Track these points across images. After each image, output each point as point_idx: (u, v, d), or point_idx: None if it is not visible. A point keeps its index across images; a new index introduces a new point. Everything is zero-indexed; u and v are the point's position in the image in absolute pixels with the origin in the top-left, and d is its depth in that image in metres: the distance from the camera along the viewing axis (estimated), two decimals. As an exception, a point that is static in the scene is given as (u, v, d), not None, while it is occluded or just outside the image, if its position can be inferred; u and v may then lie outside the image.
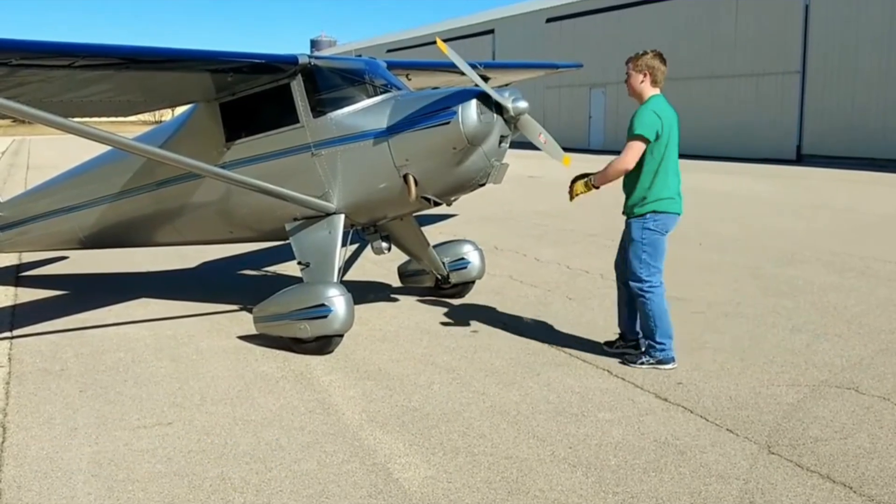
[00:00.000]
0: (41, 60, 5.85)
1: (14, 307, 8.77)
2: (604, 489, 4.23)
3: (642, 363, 6.12)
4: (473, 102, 6.50)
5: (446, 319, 7.71)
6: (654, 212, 6.00)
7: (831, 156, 26.64)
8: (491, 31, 44.23)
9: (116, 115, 8.64)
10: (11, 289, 9.65)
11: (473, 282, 8.61)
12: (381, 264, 9.93)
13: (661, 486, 4.24)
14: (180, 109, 8.65)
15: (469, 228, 12.87)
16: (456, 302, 8.39)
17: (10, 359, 6.78)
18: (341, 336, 6.70)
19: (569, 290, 8.90)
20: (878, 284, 8.85)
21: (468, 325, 7.49)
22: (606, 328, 7.22)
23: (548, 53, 37.71)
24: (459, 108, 6.49)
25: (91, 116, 8.46)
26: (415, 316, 7.88)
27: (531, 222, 14.32)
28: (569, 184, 6.37)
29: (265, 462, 4.64)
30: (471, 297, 8.52)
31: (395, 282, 9.06)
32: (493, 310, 8.02)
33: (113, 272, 10.58)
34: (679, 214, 6.13)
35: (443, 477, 4.41)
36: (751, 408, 5.30)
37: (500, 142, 6.76)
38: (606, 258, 10.67)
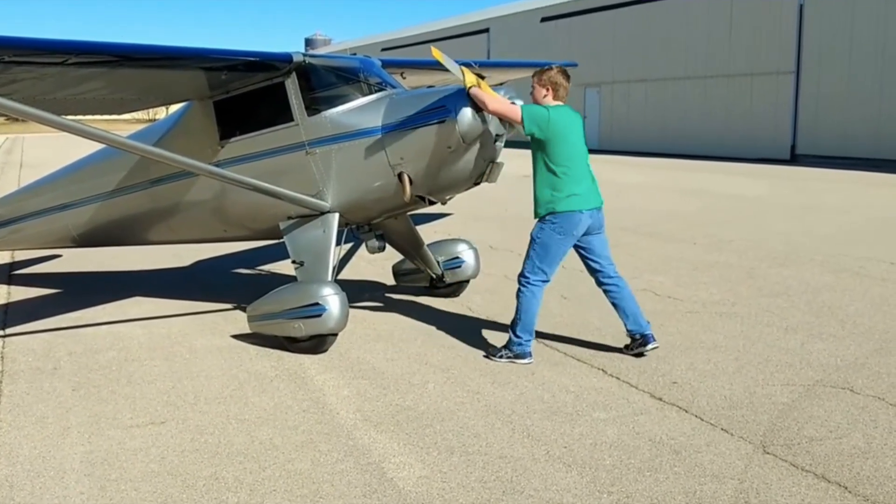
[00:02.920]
0: (34, 58, 5.82)
1: (7, 306, 8.74)
2: (598, 489, 4.22)
3: (501, 356, 6.35)
4: (469, 101, 6.48)
5: (441, 319, 7.69)
6: (551, 213, 6.15)
7: (825, 156, 26.69)
8: (486, 31, 44.21)
9: (110, 113, 8.60)
10: (4, 287, 9.62)
11: (468, 281, 8.60)
12: (375, 263, 9.92)
13: (656, 486, 4.23)
14: (174, 107, 8.63)
15: (464, 227, 12.86)
16: (450, 301, 8.38)
17: (2, 357, 6.76)
18: (335, 335, 6.69)
19: (563, 289, 8.88)
20: (872, 284, 8.87)
21: (463, 324, 7.48)
22: (601, 328, 7.22)
23: (542, 53, 37.67)
24: (455, 107, 6.48)
25: (85, 114, 8.43)
26: (409, 315, 7.86)
27: (526, 222, 14.27)
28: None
29: (259, 461, 4.63)
30: (465, 297, 8.51)
31: (390, 281, 9.04)
32: (487, 309, 8.01)
33: (106, 271, 10.55)
34: (581, 210, 6.16)
35: (437, 476, 4.40)
36: (745, 407, 5.30)
37: (496, 140, 6.75)
38: (601, 257, 10.70)
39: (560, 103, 6.32)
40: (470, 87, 6.36)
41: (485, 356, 6.44)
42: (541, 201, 6.20)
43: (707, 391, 5.62)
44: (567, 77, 6.36)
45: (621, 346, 6.63)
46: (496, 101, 6.29)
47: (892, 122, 25.32)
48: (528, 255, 6.33)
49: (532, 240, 6.30)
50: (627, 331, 6.43)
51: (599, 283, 6.49)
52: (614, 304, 6.44)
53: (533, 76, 6.38)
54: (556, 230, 6.16)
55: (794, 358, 6.31)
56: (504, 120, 6.45)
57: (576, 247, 6.33)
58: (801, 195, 17.80)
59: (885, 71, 25.47)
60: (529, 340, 6.34)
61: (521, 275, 6.34)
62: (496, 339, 6.95)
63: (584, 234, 6.26)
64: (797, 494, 4.11)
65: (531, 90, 6.39)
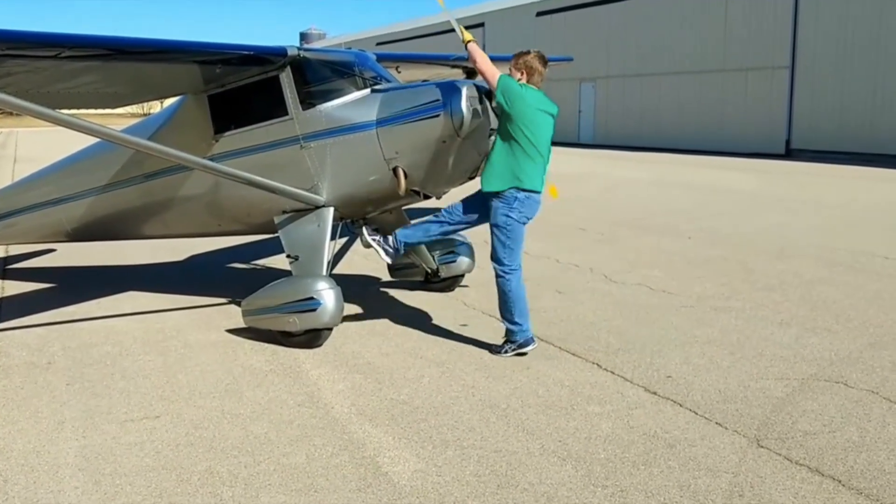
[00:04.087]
0: (27, 51, 5.79)
1: (0, 300, 8.72)
2: (593, 482, 4.23)
3: (506, 351, 6.31)
4: (463, 95, 6.48)
5: (436, 313, 7.69)
6: (515, 189, 6.14)
7: (820, 150, 26.72)
8: (481, 25, 44.13)
9: (104, 107, 8.57)
10: (-2, 282, 9.59)
11: (463, 275, 8.60)
12: (370, 258, 9.90)
13: (651, 480, 4.24)
14: (168, 101, 8.60)
15: (459, 222, 12.83)
16: (445, 295, 8.38)
17: (-4, 352, 6.74)
18: (330, 329, 6.68)
19: (558, 283, 8.89)
20: (867, 279, 8.88)
21: (458, 318, 7.48)
22: (596, 322, 7.23)
23: (538, 47, 37.28)
24: (449, 101, 6.47)
25: (79, 108, 8.39)
26: (404, 310, 7.86)
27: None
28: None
29: (254, 455, 4.63)
30: (460, 291, 8.51)
31: (385, 275, 9.04)
32: (482, 303, 8.01)
33: (101, 265, 10.53)
34: (537, 193, 6.23)
35: (432, 470, 4.40)
36: (740, 401, 5.30)
37: (490, 135, 6.74)
38: (596, 252, 10.73)
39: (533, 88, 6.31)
40: (468, 42, 6.46)
41: (491, 353, 6.41)
42: (496, 175, 6.17)
43: (701, 385, 5.62)
44: (544, 63, 6.36)
45: (614, 340, 6.65)
46: (486, 62, 6.31)
47: (886, 117, 25.35)
48: (500, 243, 6.27)
49: (499, 227, 6.23)
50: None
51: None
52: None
53: (511, 59, 6.43)
54: (521, 217, 6.19)
55: (789, 352, 6.32)
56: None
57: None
58: (796, 189, 17.82)
59: (880, 66, 25.48)
60: (528, 324, 6.35)
61: (500, 263, 6.30)
62: (492, 333, 6.95)
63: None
64: (791, 488, 4.12)
65: (508, 72, 6.39)
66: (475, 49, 6.41)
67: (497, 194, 6.21)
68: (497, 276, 6.34)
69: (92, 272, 10.20)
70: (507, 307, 6.33)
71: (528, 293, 8.30)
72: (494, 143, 6.27)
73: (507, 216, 6.20)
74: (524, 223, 6.27)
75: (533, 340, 6.36)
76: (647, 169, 23.95)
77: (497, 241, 6.29)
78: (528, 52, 6.38)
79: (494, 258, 6.34)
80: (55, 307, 8.13)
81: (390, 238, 6.82)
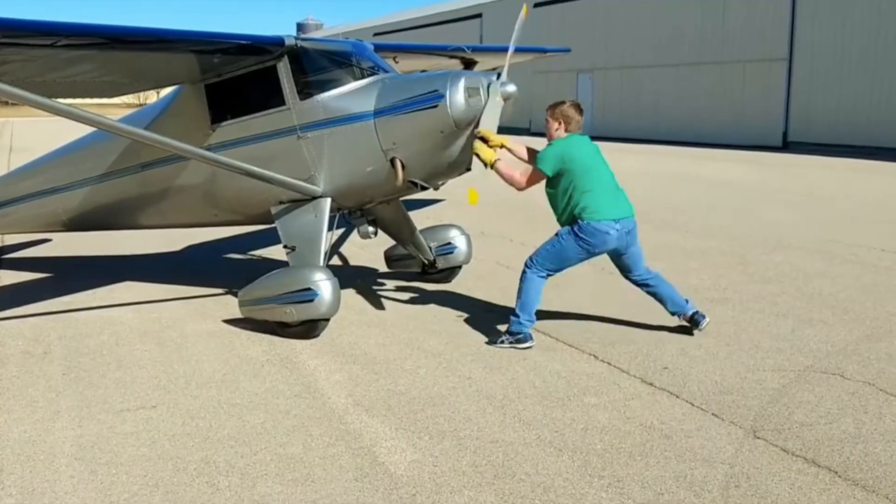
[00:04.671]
0: (23, 39, 5.77)
1: (-4, 290, 8.70)
2: (589, 473, 4.23)
3: (502, 342, 6.33)
4: (461, 86, 6.46)
5: (433, 304, 7.69)
6: (581, 220, 6.19)
7: (817, 143, 26.72)
8: (479, 16, 44.04)
9: (101, 97, 8.54)
10: (-6, 271, 9.58)
11: (460, 267, 8.59)
12: (367, 249, 9.91)
13: (647, 470, 4.24)
14: (165, 91, 8.57)
15: (456, 213, 12.83)
16: (442, 287, 8.37)
17: (-8, 341, 6.73)
18: (327, 320, 6.68)
19: (555, 275, 8.87)
20: (863, 271, 8.89)
21: (454, 309, 7.48)
22: (592, 313, 7.22)
23: (536, 38, 37.54)
24: (447, 92, 6.45)
25: (75, 97, 8.36)
26: (401, 300, 7.86)
27: (518, 208, 14.28)
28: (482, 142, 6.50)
29: (250, 445, 4.62)
30: (457, 282, 8.51)
31: (382, 266, 9.03)
32: (479, 295, 8.01)
33: (97, 255, 10.51)
34: (615, 221, 6.24)
35: (429, 461, 4.40)
36: (736, 393, 5.31)
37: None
38: (593, 243, 10.71)
39: (571, 134, 6.43)
40: (494, 164, 6.49)
41: (487, 343, 6.43)
42: (568, 215, 6.29)
43: (698, 376, 5.63)
44: (580, 111, 6.48)
45: (611, 331, 6.66)
46: (507, 175, 6.51)
47: (884, 110, 25.34)
48: (544, 246, 6.40)
49: (557, 235, 6.35)
50: (671, 314, 6.58)
51: (635, 284, 6.64)
52: (652, 295, 6.60)
53: (546, 110, 6.53)
54: (581, 244, 6.23)
55: (785, 344, 6.33)
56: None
57: (610, 256, 6.48)
58: (793, 182, 17.83)
59: (878, 58, 25.47)
60: (529, 321, 6.33)
61: (530, 258, 6.40)
62: (488, 324, 6.96)
63: (615, 253, 6.38)
64: (787, 479, 4.13)
65: (545, 123, 6.51)
66: (502, 167, 6.52)
67: (571, 222, 6.30)
68: (525, 267, 6.40)
69: (88, 262, 10.18)
70: (519, 300, 6.36)
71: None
72: (560, 194, 6.34)
73: (573, 235, 6.25)
74: (584, 255, 6.32)
75: (529, 338, 6.34)
76: (644, 161, 23.93)
77: (550, 243, 6.37)
78: (563, 102, 6.48)
79: (534, 253, 6.41)
80: (51, 297, 8.12)
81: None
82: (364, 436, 4.74)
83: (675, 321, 6.69)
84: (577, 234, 6.23)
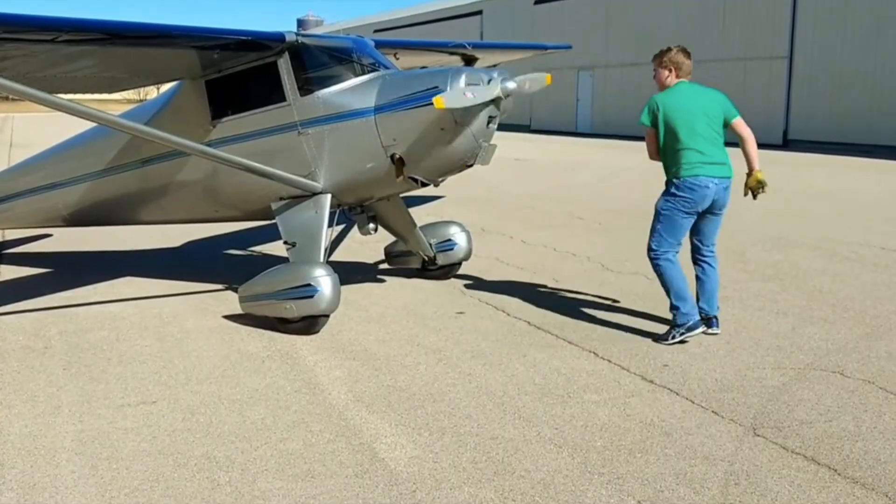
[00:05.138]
0: (24, 34, 5.77)
1: (-3, 285, 8.70)
2: (589, 470, 4.23)
3: (673, 337, 6.23)
4: (461, 82, 6.46)
5: (433, 300, 7.69)
6: (679, 179, 6.17)
7: (817, 141, 26.73)
8: (479, 13, 44.02)
9: (101, 92, 8.55)
10: (-6, 266, 9.58)
11: (460, 263, 8.59)
12: (367, 245, 9.91)
13: (647, 468, 4.25)
14: (165, 87, 8.57)
15: (456, 210, 12.85)
16: (442, 283, 8.37)
17: (-8, 336, 6.73)
18: (327, 316, 6.68)
19: (555, 272, 8.89)
20: (863, 269, 8.89)
21: (455, 306, 7.49)
22: (593, 310, 7.23)
23: (536, 35, 37.62)
24: (447, 88, 6.45)
25: (75, 92, 8.37)
26: (401, 297, 7.86)
27: (518, 204, 14.31)
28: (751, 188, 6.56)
29: (250, 441, 4.63)
30: (457, 279, 8.51)
31: (382, 262, 9.03)
32: (479, 291, 8.01)
33: (97, 250, 10.51)
34: (715, 178, 6.18)
35: (429, 457, 4.41)
36: (736, 390, 5.31)
37: (489, 122, 6.73)
38: (593, 241, 10.73)
39: (682, 80, 6.36)
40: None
41: (654, 340, 6.32)
42: (672, 168, 6.26)
43: (698, 374, 5.63)
44: (688, 55, 6.37)
45: (611, 328, 6.67)
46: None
47: (884, 108, 25.33)
48: (653, 229, 6.34)
49: (657, 212, 6.32)
50: (698, 305, 6.46)
51: (693, 258, 6.55)
52: (697, 278, 6.50)
53: (653, 60, 6.44)
54: (680, 204, 6.17)
55: (785, 342, 6.33)
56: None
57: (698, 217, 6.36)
58: (794, 180, 17.81)
59: (879, 57, 25.46)
60: (692, 308, 6.27)
61: (649, 249, 6.35)
62: (488, 321, 6.96)
63: (705, 212, 6.27)
64: (787, 476, 4.13)
65: (653, 74, 6.45)
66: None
67: (665, 183, 6.32)
68: (651, 260, 6.37)
69: (88, 257, 10.18)
70: (669, 292, 6.31)
71: (525, 281, 8.39)
72: (663, 145, 6.30)
73: (667, 201, 6.25)
74: (691, 215, 6.23)
75: (699, 325, 6.26)
76: (644, 158, 23.87)
77: (657, 221, 6.33)
78: (669, 49, 6.38)
79: (650, 241, 6.38)
80: (52, 292, 8.12)
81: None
82: (364, 432, 4.74)
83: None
84: (675, 194, 6.18)
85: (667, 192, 6.28)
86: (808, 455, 4.36)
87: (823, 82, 27.04)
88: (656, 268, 6.33)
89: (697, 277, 6.51)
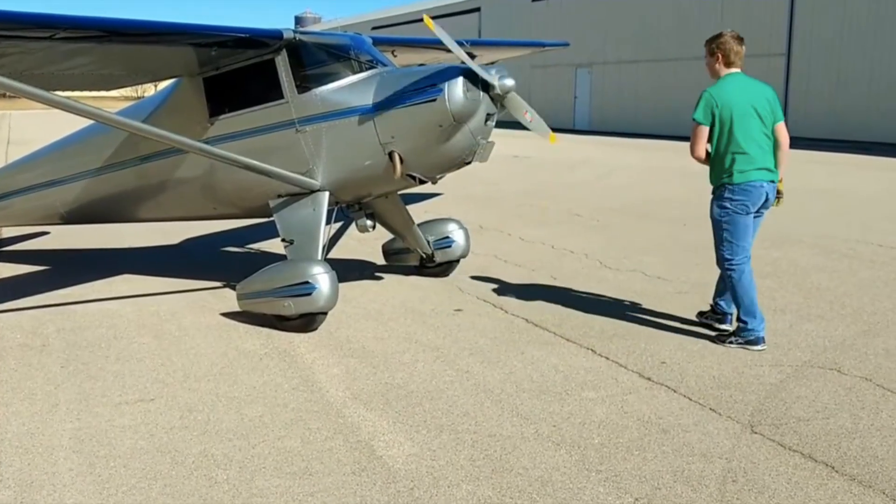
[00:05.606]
0: (21, 32, 5.76)
1: (-6, 282, 8.69)
2: (587, 467, 4.24)
3: (731, 343, 6.11)
4: (460, 80, 6.47)
5: (431, 298, 7.69)
6: (729, 184, 6.00)
7: (815, 138, 26.73)
8: (477, 9, 43.99)
9: (98, 89, 8.54)
10: (-8, 264, 9.56)
11: (458, 260, 8.59)
12: (365, 242, 9.90)
13: (645, 465, 4.25)
14: (163, 84, 8.56)
15: (454, 207, 12.84)
16: (440, 280, 8.38)
17: (-10, 334, 6.73)
18: (325, 314, 6.68)
19: (553, 269, 8.90)
20: (861, 266, 8.90)
21: (452, 303, 7.49)
22: (590, 308, 7.23)
23: (534, 32, 37.60)
24: (446, 86, 6.46)
25: (73, 90, 8.36)
26: (399, 294, 7.86)
27: (516, 202, 14.30)
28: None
29: (248, 439, 4.63)
30: (455, 276, 8.51)
31: (380, 260, 9.03)
32: (477, 289, 8.01)
33: (95, 248, 10.50)
34: (766, 182, 6.06)
35: (427, 454, 4.41)
36: (734, 387, 5.32)
37: (487, 120, 6.73)
38: (591, 238, 10.73)
39: (734, 70, 6.15)
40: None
41: (712, 340, 6.22)
42: (722, 172, 6.06)
43: (695, 371, 5.64)
44: (741, 41, 6.15)
45: (609, 325, 6.67)
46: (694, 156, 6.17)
47: (882, 105, 25.36)
48: (720, 238, 6.12)
49: (717, 221, 6.12)
50: (716, 301, 6.43)
51: None
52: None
53: (705, 45, 6.23)
54: (735, 205, 6.01)
55: (783, 339, 6.33)
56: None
57: None
58: (791, 177, 17.76)
59: (876, 55, 25.48)
60: (760, 323, 6.08)
61: (723, 259, 6.13)
62: (486, 318, 6.96)
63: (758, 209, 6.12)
64: (784, 474, 4.14)
65: (705, 60, 6.27)
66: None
67: (713, 190, 6.16)
68: (726, 271, 6.14)
69: (86, 255, 10.17)
70: (741, 306, 6.11)
71: (523, 279, 8.39)
72: (714, 143, 6.07)
73: (723, 207, 6.06)
74: (748, 212, 6.03)
75: (761, 341, 6.05)
76: (643, 155, 23.93)
77: (721, 230, 6.11)
78: (721, 35, 6.15)
79: (721, 252, 6.14)
80: (49, 289, 8.11)
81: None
82: (362, 429, 4.75)
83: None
84: (731, 198, 6.00)
85: (719, 199, 6.09)
86: (805, 452, 4.37)
87: (821, 79, 27.07)
88: (731, 278, 6.09)
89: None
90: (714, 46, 6.15)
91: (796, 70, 27.95)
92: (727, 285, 6.20)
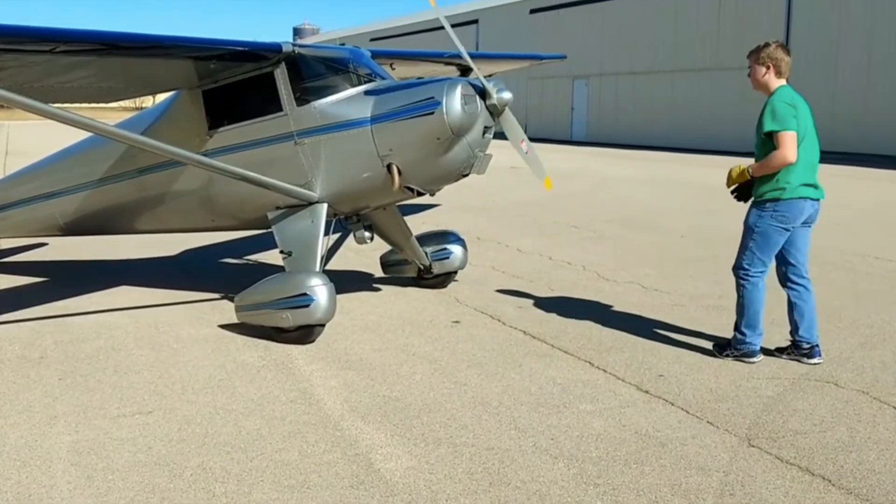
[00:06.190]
0: (22, 45, 5.78)
1: (-8, 294, 8.69)
2: (585, 480, 4.24)
3: (727, 355, 6.06)
4: (458, 93, 6.50)
5: (428, 309, 7.70)
6: (774, 200, 5.83)
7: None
8: (475, 21, 44.15)
9: (98, 102, 8.57)
10: (-10, 275, 9.56)
11: (456, 272, 8.61)
12: (363, 254, 9.91)
13: (642, 478, 4.26)
14: (161, 96, 8.59)
15: (452, 219, 12.86)
16: (438, 292, 8.39)
17: (-12, 346, 6.72)
18: (323, 325, 6.69)
19: (550, 281, 8.91)
20: (857, 279, 8.92)
21: (450, 315, 7.50)
22: (588, 320, 7.24)
23: (531, 44, 37.72)
24: (444, 99, 6.49)
25: (72, 102, 8.39)
26: (397, 306, 7.87)
27: (513, 213, 14.33)
28: (733, 184, 6.14)
29: (246, 451, 4.63)
30: (453, 288, 8.52)
31: (378, 272, 9.04)
32: (474, 300, 8.02)
33: (93, 259, 10.50)
34: (811, 199, 5.93)
35: (424, 468, 4.41)
36: (731, 400, 5.33)
37: (484, 133, 6.77)
38: (588, 249, 10.75)
39: (784, 82, 5.95)
40: (749, 171, 5.94)
41: (708, 352, 6.18)
42: (765, 188, 5.85)
43: (693, 384, 5.65)
44: (787, 51, 5.95)
45: (607, 338, 6.67)
46: (773, 161, 5.79)
47: (877, 117, 25.47)
48: (745, 246, 5.99)
49: (749, 229, 5.96)
50: (796, 336, 6.10)
51: (786, 279, 6.10)
52: (793, 304, 6.08)
53: (749, 56, 6.00)
54: (777, 219, 5.84)
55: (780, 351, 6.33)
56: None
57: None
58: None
59: (871, 68, 25.63)
60: (758, 337, 6.04)
61: (740, 267, 6.02)
62: (484, 330, 6.97)
63: (803, 225, 5.98)
64: (782, 487, 4.14)
65: (748, 72, 6.04)
66: (757, 167, 5.90)
67: (756, 201, 5.97)
68: (739, 280, 6.04)
69: (84, 266, 10.17)
70: (743, 316, 6.02)
71: (520, 290, 8.40)
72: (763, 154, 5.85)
73: (761, 216, 5.89)
74: (785, 229, 5.89)
75: (757, 354, 6.02)
76: (640, 167, 23.99)
77: (750, 239, 5.96)
78: (768, 45, 5.94)
79: (741, 259, 6.03)
80: (47, 301, 8.11)
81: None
82: (360, 442, 4.75)
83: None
84: (773, 211, 5.82)
85: (760, 207, 5.90)
86: (802, 465, 4.38)
87: (817, 92, 27.09)
88: (741, 288, 5.99)
89: (793, 303, 6.08)
90: (764, 56, 5.91)
91: (793, 82, 27.92)
92: (737, 292, 6.07)
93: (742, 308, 6.05)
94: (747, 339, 6.05)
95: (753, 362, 6.01)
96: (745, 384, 5.63)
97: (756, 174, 5.92)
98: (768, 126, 5.78)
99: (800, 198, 5.86)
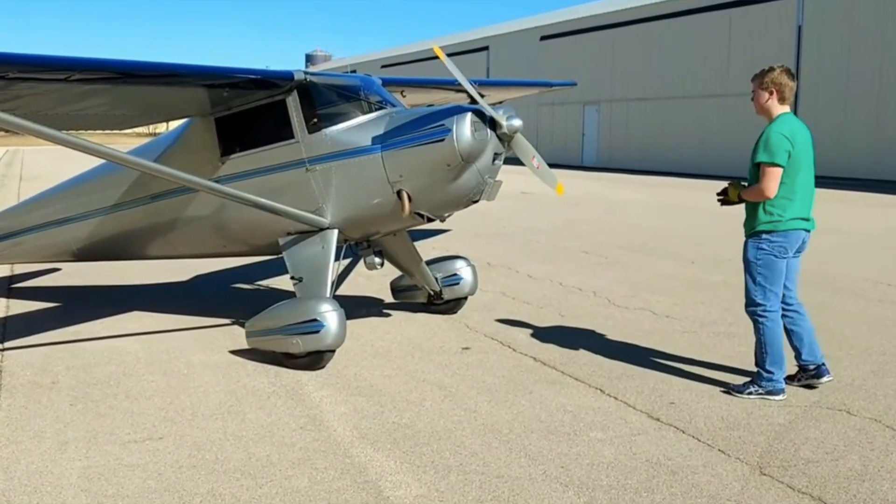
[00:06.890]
0: (38, 74, 5.86)
1: (5, 319, 8.73)
2: (595, 509, 4.22)
3: (750, 393, 5.86)
4: (468, 120, 6.54)
5: (438, 335, 7.70)
6: (768, 231, 5.77)
7: (822, 176, 26.62)
8: (485, 48, 44.40)
9: (111, 129, 8.65)
10: (3, 300, 9.62)
11: (466, 298, 8.61)
12: (373, 279, 9.93)
13: (653, 507, 4.23)
14: (175, 123, 8.67)
15: (462, 244, 12.88)
16: (448, 318, 8.39)
17: (0, 371, 6.75)
18: (333, 351, 6.69)
19: (561, 307, 8.90)
20: (868, 305, 8.88)
21: (460, 341, 7.49)
22: (599, 346, 7.22)
23: (541, 71, 37.90)
24: (454, 126, 6.53)
25: (86, 129, 8.48)
26: (407, 332, 7.87)
27: (524, 238, 14.34)
28: (722, 188, 6.16)
29: (256, 478, 4.63)
30: (463, 314, 8.52)
31: (388, 297, 9.05)
32: (485, 326, 8.02)
33: (105, 285, 10.55)
34: (804, 230, 5.86)
35: (434, 496, 4.40)
36: (742, 428, 5.30)
37: (494, 159, 6.80)
38: (599, 275, 10.74)
39: (786, 108, 5.90)
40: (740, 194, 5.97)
41: (724, 391, 5.97)
42: (761, 219, 5.78)
43: (704, 412, 5.62)
44: (792, 76, 5.87)
45: (617, 365, 6.65)
46: (752, 193, 5.83)
47: (889, 143, 25.44)
48: (753, 282, 5.84)
49: (751, 263, 5.84)
50: (800, 361, 6.04)
51: (782, 312, 5.97)
52: (791, 331, 6.00)
53: (753, 80, 5.97)
54: (775, 249, 5.76)
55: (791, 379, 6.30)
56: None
57: None
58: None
59: (882, 93, 25.59)
60: (782, 374, 5.88)
61: (753, 304, 5.86)
62: (494, 357, 6.96)
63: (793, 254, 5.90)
64: (793, 516, 4.11)
65: (751, 96, 5.99)
66: (745, 193, 5.93)
67: (751, 233, 5.89)
68: (755, 318, 5.88)
69: (96, 292, 10.22)
70: (766, 355, 5.85)
71: (531, 316, 8.39)
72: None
73: (759, 249, 5.80)
74: (784, 256, 5.79)
75: (783, 392, 5.84)
76: (651, 192, 23.99)
77: (756, 273, 5.83)
78: (772, 69, 5.87)
79: (751, 296, 5.87)
80: (59, 326, 8.15)
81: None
82: (369, 469, 4.74)
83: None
84: (769, 240, 5.74)
85: (756, 239, 5.82)
86: (814, 495, 4.34)
87: (828, 118, 27.14)
88: (760, 326, 5.84)
89: (790, 331, 6.00)
90: (768, 81, 5.84)
91: (802, 109, 27.94)
92: (755, 331, 5.94)
93: (764, 346, 5.87)
94: (774, 378, 5.86)
95: (779, 400, 5.82)
96: (756, 412, 5.60)
97: (744, 198, 5.96)
98: (759, 157, 5.79)
99: (794, 229, 5.81)
